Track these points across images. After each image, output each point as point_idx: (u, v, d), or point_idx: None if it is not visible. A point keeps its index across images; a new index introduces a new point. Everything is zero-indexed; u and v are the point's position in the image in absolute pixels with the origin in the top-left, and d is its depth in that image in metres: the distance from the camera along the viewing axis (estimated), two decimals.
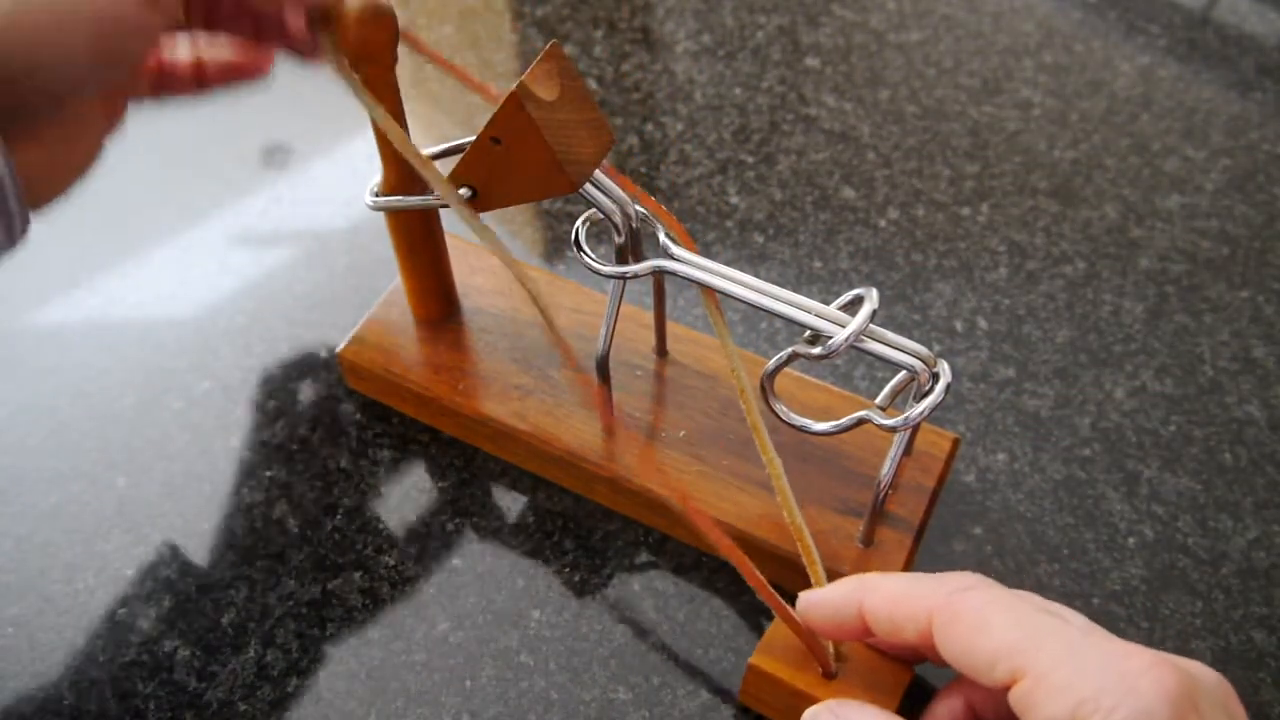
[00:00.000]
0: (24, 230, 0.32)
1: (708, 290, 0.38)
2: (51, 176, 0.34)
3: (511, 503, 0.43)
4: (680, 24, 0.64)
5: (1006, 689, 0.29)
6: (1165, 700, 0.27)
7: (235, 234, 0.53)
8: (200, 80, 0.39)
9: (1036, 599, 0.31)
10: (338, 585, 0.41)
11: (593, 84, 0.60)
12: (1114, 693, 0.27)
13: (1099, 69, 0.61)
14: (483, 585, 0.41)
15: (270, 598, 0.41)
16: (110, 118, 0.36)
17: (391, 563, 0.42)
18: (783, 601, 0.35)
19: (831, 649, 0.36)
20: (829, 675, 0.35)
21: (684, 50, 0.62)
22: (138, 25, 0.31)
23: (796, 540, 0.37)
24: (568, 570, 0.41)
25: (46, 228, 0.35)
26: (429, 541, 0.42)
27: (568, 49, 0.62)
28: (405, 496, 0.44)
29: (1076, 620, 0.30)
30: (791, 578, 0.40)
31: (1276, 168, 0.56)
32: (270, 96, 0.43)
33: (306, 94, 0.60)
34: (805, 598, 0.34)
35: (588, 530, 0.43)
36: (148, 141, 0.52)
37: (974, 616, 0.30)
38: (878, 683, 0.35)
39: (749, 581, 0.35)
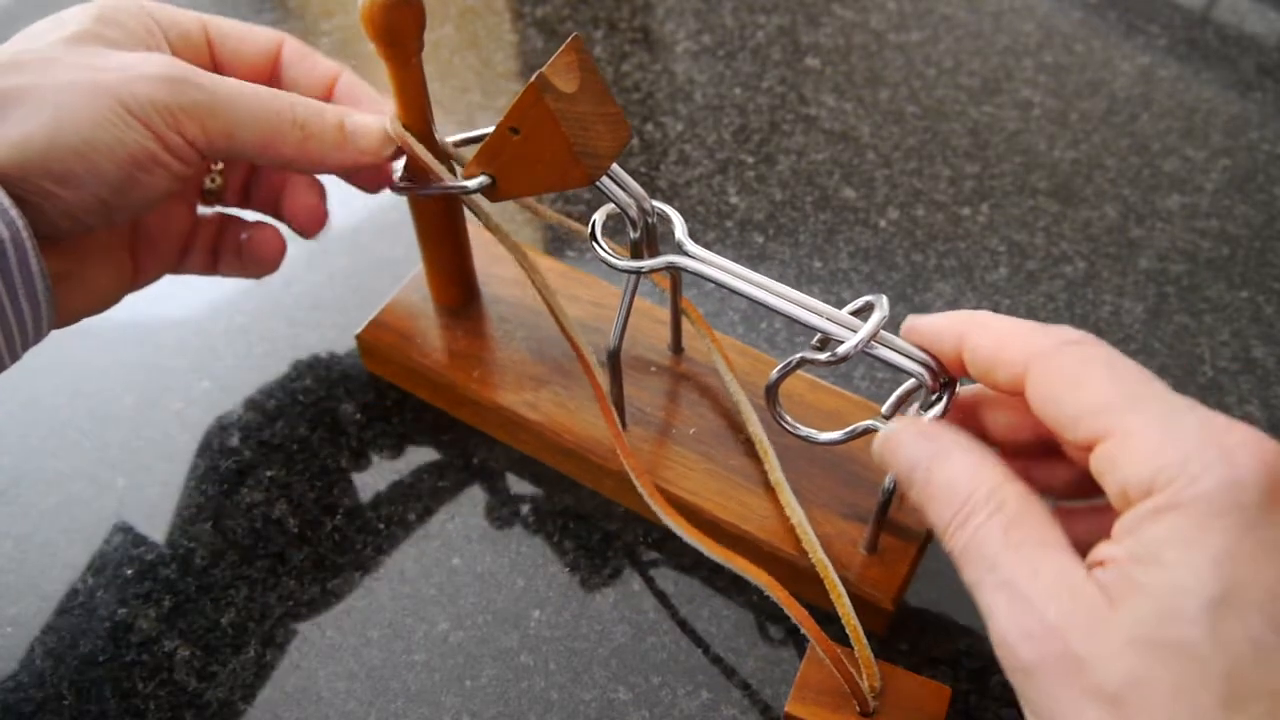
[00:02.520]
0: (48, 322, 0.36)
1: (699, 318, 0.41)
2: (71, 298, 0.38)
3: (512, 503, 0.43)
4: (680, 24, 0.64)
5: (1086, 450, 0.27)
6: (1262, 473, 0.24)
7: None
8: (214, 263, 0.44)
9: (1149, 372, 0.28)
10: (338, 585, 0.41)
11: None
12: (1203, 461, 0.24)
13: (1099, 69, 0.61)
14: (483, 585, 0.41)
15: (270, 598, 0.41)
16: (136, 275, 0.41)
17: (391, 562, 0.42)
18: (823, 633, 0.35)
19: (868, 686, 0.35)
20: (866, 714, 0.35)
21: (684, 50, 0.62)
22: (158, 163, 0.35)
23: (815, 562, 0.37)
24: (568, 570, 0.41)
25: None
26: (429, 541, 0.42)
27: None
28: (405, 497, 0.44)
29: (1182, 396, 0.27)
30: (795, 581, 0.40)
31: (1276, 168, 0.56)
32: None
33: None
34: (911, 320, 0.33)
35: (588, 530, 0.42)
36: None
37: (1074, 369, 0.27)
38: (915, 717, 0.35)
39: (791, 612, 0.35)
